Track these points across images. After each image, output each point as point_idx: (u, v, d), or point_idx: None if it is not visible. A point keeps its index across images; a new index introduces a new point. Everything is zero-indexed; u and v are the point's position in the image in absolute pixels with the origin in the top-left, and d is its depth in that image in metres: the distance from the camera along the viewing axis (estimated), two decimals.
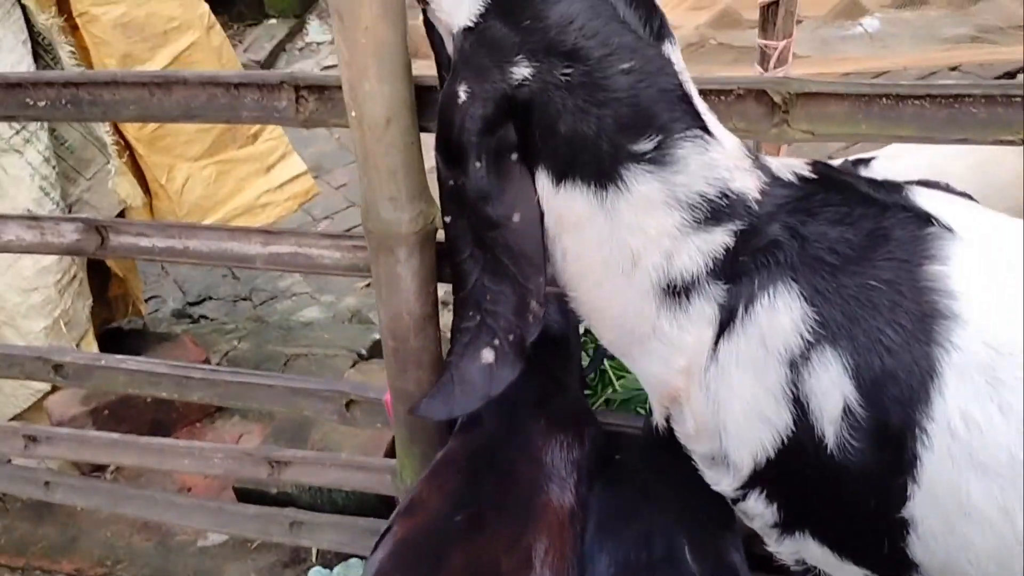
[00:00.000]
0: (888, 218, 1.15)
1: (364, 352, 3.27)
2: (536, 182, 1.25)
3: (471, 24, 1.21)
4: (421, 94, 1.56)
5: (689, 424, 1.28)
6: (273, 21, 6.10)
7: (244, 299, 4.02)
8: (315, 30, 6.13)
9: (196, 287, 4.12)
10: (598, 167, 1.21)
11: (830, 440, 1.15)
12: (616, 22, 1.19)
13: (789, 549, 1.30)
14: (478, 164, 1.21)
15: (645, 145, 1.19)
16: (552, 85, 1.18)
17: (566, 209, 1.24)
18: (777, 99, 1.41)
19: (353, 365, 3.14)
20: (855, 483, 1.15)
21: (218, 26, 2.96)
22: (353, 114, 1.52)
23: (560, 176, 1.23)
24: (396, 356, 1.79)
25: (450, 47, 1.30)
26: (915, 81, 1.38)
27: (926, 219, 1.14)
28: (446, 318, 1.57)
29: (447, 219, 1.29)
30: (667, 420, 1.35)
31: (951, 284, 1.09)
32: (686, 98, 1.22)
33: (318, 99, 1.68)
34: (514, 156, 1.23)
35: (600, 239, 1.25)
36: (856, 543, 1.22)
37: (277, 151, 3.18)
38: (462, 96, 1.20)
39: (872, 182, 1.21)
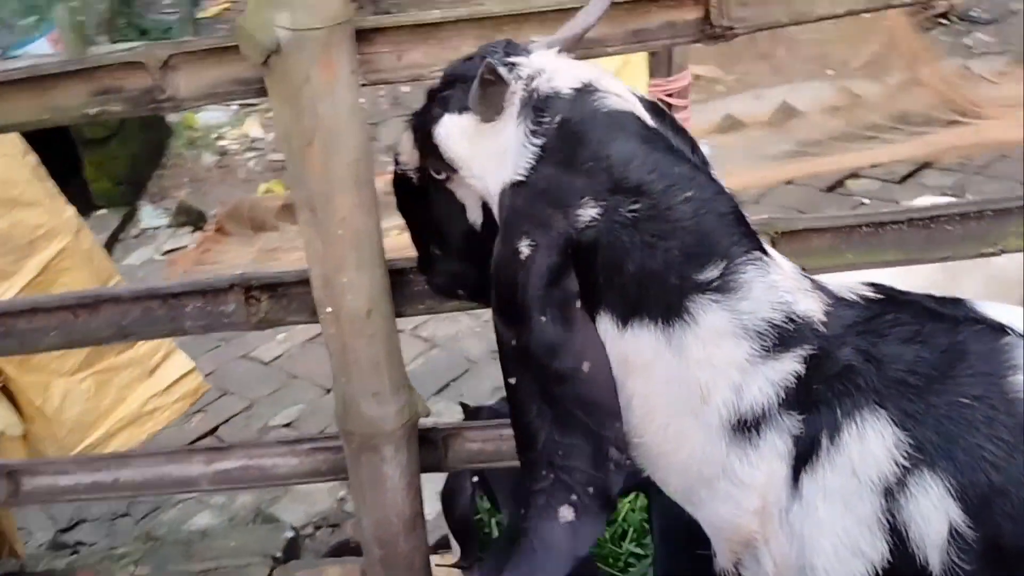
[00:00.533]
0: (961, 332, 1.14)
1: (279, 555, 2.99)
2: (598, 327, 1.19)
3: (521, 178, 1.16)
4: (392, 278, 1.48)
5: (768, 567, 1.21)
6: (103, 212, 5.84)
7: (123, 515, 3.63)
8: (148, 215, 5.91)
9: (66, 510, 3.70)
10: (666, 302, 1.16)
11: (935, 566, 1.10)
12: (671, 153, 1.18)
13: None
14: (543, 318, 1.14)
15: (711, 273, 1.15)
16: (618, 224, 1.14)
17: (632, 351, 1.18)
18: (765, 240, 1.42)
19: (271, 573, 2.87)
20: None
21: (86, 228, 2.76)
22: (328, 309, 1.41)
23: (626, 317, 1.17)
24: (384, 565, 1.62)
25: (474, 213, 1.24)
26: (894, 209, 1.43)
27: (1000, 329, 1.15)
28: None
29: (511, 380, 1.20)
30: (736, 566, 1.27)
31: None
32: (742, 220, 1.21)
33: (271, 297, 1.55)
34: (578, 303, 1.17)
35: (668, 378, 1.18)
36: None
37: (159, 351, 2.95)
38: (525, 251, 1.13)
39: (935, 298, 1.22)
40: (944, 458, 1.09)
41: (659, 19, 1.38)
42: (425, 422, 1.62)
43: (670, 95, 2.40)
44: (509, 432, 1.64)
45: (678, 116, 2.07)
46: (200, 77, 1.38)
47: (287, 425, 3.88)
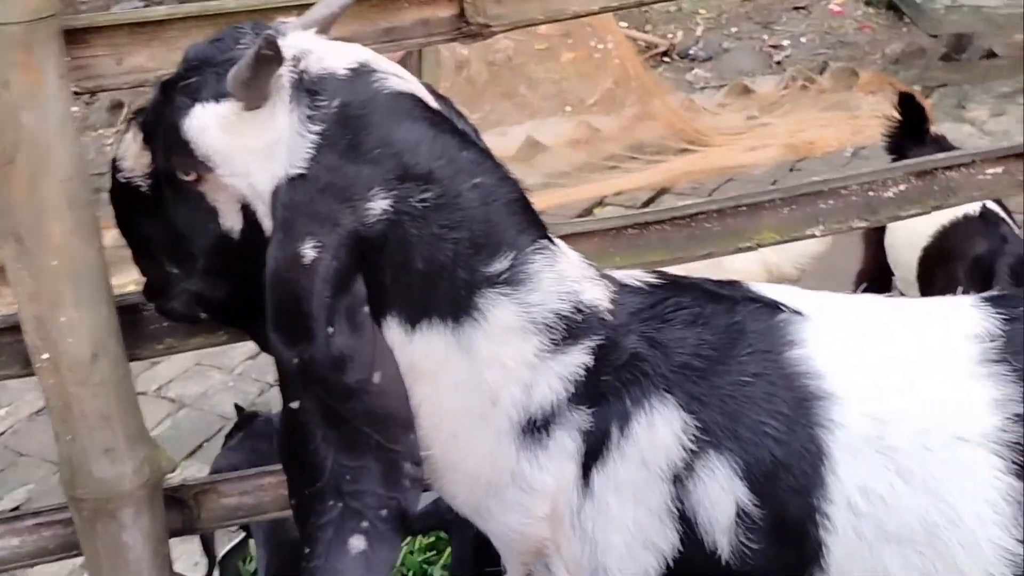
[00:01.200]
0: (739, 312, 1.14)
1: None
2: (385, 332, 1.07)
3: (300, 172, 1.02)
4: (123, 315, 1.28)
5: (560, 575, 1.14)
6: None
7: None
8: None
9: None
10: (455, 300, 1.06)
11: (724, 550, 1.07)
12: (457, 136, 1.09)
13: None
14: (331, 329, 1.01)
15: (500, 265, 1.07)
16: (408, 216, 1.04)
17: (422, 355, 1.08)
18: None
19: None
20: None
21: None
22: (45, 356, 1.19)
23: (415, 319, 1.06)
24: None
25: (229, 219, 1.08)
26: (658, 208, 1.43)
27: (775, 306, 1.15)
28: None
29: (293, 405, 1.05)
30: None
31: (816, 365, 1.09)
32: (529, 207, 1.13)
33: None
34: (366, 309, 1.05)
35: (457, 383, 1.09)
36: None
37: None
38: (309, 253, 1.00)
39: (713, 281, 1.20)
40: (729, 438, 1.07)
41: (412, 16, 1.30)
42: (172, 479, 1.43)
43: None
44: (271, 480, 1.47)
45: None
46: None
47: (15, 509, 3.42)
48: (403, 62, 1.28)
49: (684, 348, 1.11)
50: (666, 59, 6.07)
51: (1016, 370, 1.06)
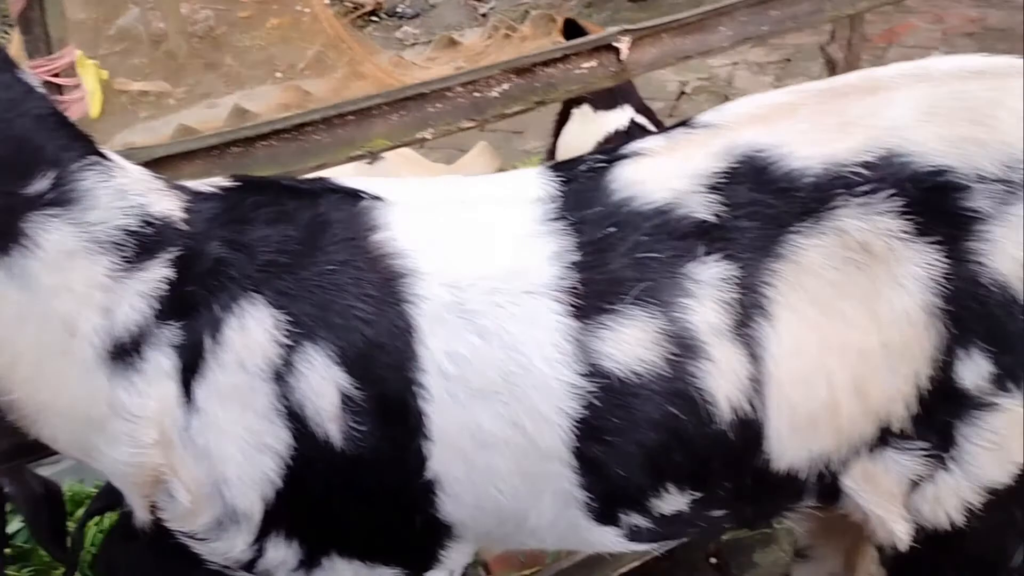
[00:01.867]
0: (322, 204, 1.15)
1: None
2: None
3: None
4: None
5: (184, 499, 1.12)
6: None
7: None
8: None
9: None
10: None
11: (336, 438, 1.10)
12: None
13: None
14: None
15: (41, 185, 1.02)
16: None
17: None
18: None
19: None
20: (372, 470, 1.11)
21: None
22: None
23: None
24: None
25: None
26: (259, 122, 1.42)
27: (355, 195, 1.17)
28: None
29: None
30: (153, 512, 1.17)
31: (398, 245, 1.13)
32: (67, 123, 1.08)
33: None
34: None
35: (22, 317, 1.04)
36: (386, 538, 1.18)
37: None
38: None
39: (291, 179, 1.21)
40: (322, 327, 1.09)
41: None
42: None
43: (56, 75, 2.19)
44: None
45: (71, 97, 1.89)
46: None
47: None
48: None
49: (268, 246, 1.12)
50: (374, 18, 6.07)
51: (572, 223, 1.15)
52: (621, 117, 2.55)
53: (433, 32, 5.86)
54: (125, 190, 1.09)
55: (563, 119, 2.71)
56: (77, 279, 1.05)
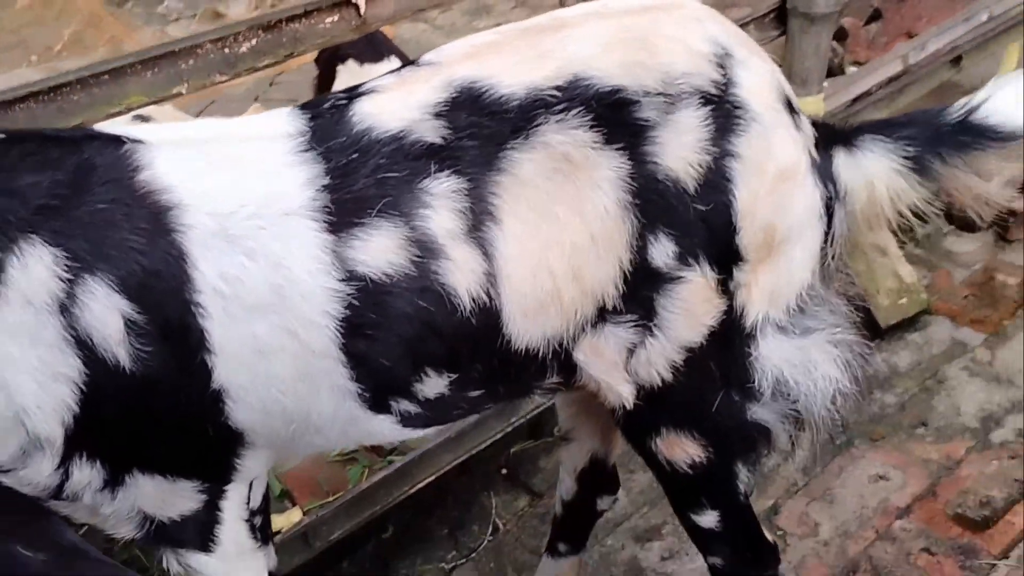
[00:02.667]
0: (86, 150, 1.24)
1: None
2: None
3: None
4: None
5: None
6: None
7: None
8: None
9: None
10: None
11: (125, 361, 1.21)
12: None
13: (125, 505, 1.31)
14: None
15: None
16: None
17: None
18: None
19: None
20: (163, 387, 1.23)
21: None
22: None
23: None
24: None
25: None
26: (16, 85, 1.48)
27: (117, 140, 1.27)
28: None
29: None
30: None
31: (164, 182, 1.25)
32: None
33: None
34: None
35: None
36: (184, 452, 1.32)
37: None
38: None
39: (52, 129, 1.29)
40: (100, 260, 1.21)
41: None
42: None
43: None
44: None
45: None
46: None
47: None
48: None
49: (39, 191, 1.22)
50: None
51: (320, 153, 1.31)
52: (389, 66, 2.72)
53: (197, 5, 5.77)
54: None
55: (325, 78, 2.84)
56: None
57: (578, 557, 2.11)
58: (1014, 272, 3.07)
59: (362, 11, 1.73)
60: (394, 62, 2.73)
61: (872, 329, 2.80)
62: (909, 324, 2.93)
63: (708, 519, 1.63)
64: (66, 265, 1.19)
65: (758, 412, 1.54)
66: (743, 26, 2.17)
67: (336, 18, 1.74)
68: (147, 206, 1.24)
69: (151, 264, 1.23)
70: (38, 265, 1.19)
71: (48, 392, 1.21)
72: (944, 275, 3.12)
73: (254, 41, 1.64)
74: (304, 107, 1.38)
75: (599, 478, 1.99)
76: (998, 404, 2.65)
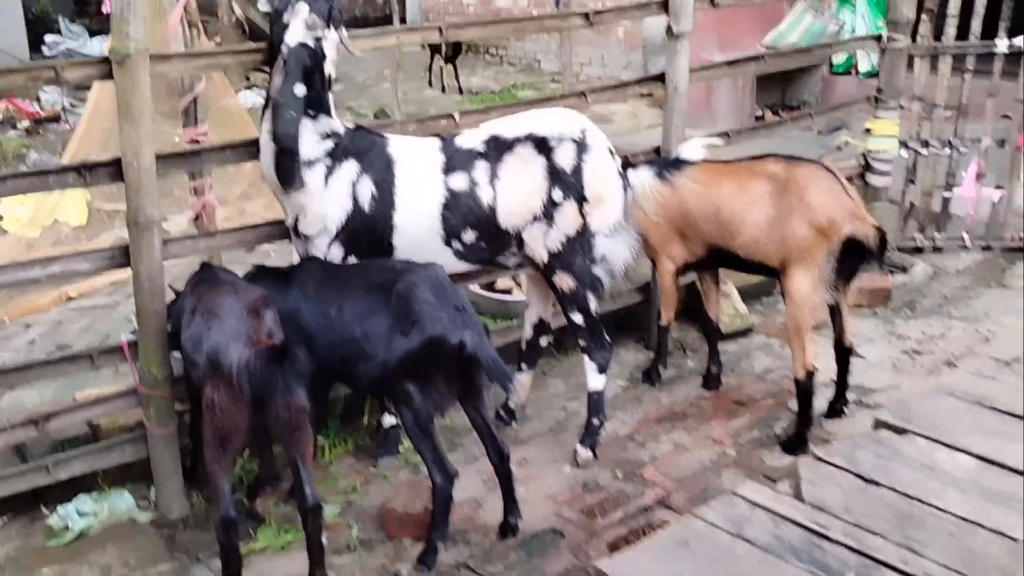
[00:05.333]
0: (365, 135, 3.82)
1: None
2: None
3: None
4: None
5: (312, 217, 3.72)
6: None
7: None
8: None
9: None
10: None
11: (366, 208, 3.74)
12: None
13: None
14: None
15: None
16: None
17: None
18: None
19: None
20: (376, 221, 3.75)
21: None
22: None
23: None
24: None
25: None
26: None
27: (374, 133, 3.86)
28: None
29: None
30: (296, 222, 3.77)
31: (391, 149, 3.80)
32: None
33: None
34: None
35: None
36: (375, 251, 3.80)
37: None
38: None
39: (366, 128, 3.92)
40: (369, 169, 3.81)
41: None
42: None
43: None
44: None
45: None
46: None
47: None
48: None
49: (361, 144, 3.84)
50: None
51: (441, 149, 3.90)
52: None
53: None
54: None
55: None
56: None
57: (531, 373, 4.46)
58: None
59: None
60: None
61: (719, 333, 5.15)
62: (740, 334, 5.27)
63: (577, 317, 4.03)
64: (357, 169, 3.76)
65: (595, 269, 3.98)
66: None
67: None
68: (383, 156, 3.82)
69: (386, 172, 3.79)
70: (351, 167, 3.76)
71: (335, 211, 3.74)
72: (771, 318, 5.47)
73: None
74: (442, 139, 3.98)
75: (541, 328, 4.39)
76: (776, 368, 4.93)
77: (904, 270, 6.01)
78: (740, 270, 4.41)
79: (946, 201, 6.18)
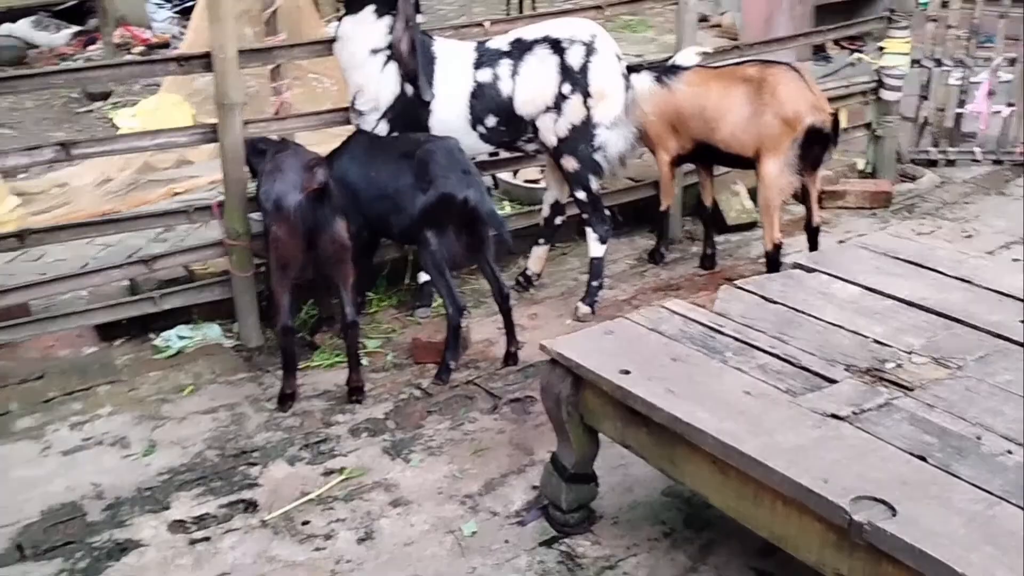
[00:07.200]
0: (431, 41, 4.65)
1: None
2: None
3: None
4: None
5: (368, 96, 4.58)
6: None
7: None
8: None
9: None
10: None
11: (410, 93, 4.57)
12: None
13: None
14: None
15: None
16: None
17: None
18: None
19: None
20: (414, 104, 4.57)
21: None
22: None
23: None
24: None
25: None
26: None
27: (425, 33, 4.68)
28: None
29: None
30: (353, 100, 4.63)
31: (435, 47, 4.60)
32: None
33: None
34: None
35: None
36: (411, 129, 4.64)
37: None
38: None
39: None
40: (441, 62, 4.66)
41: None
42: None
43: None
44: None
45: None
46: None
47: None
48: None
49: (423, 47, 4.68)
50: None
51: (476, 49, 4.70)
52: None
53: None
54: None
55: None
56: None
57: (547, 246, 5.27)
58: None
59: None
60: None
61: (723, 225, 5.84)
62: (744, 227, 5.95)
63: (581, 194, 4.81)
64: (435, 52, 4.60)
65: (595, 155, 4.74)
66: None
67: None
68: (430, 52, 4.63)
69: (425, 67, 4.61)
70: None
71: (384, 92, 4.61)
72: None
73: None
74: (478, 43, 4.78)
75: (557, 209, 5.19)
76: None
77: (913, 179, 6.55)
78: (719, 163, 5.11)
79: (958, 117, 6.67)
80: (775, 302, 3.43)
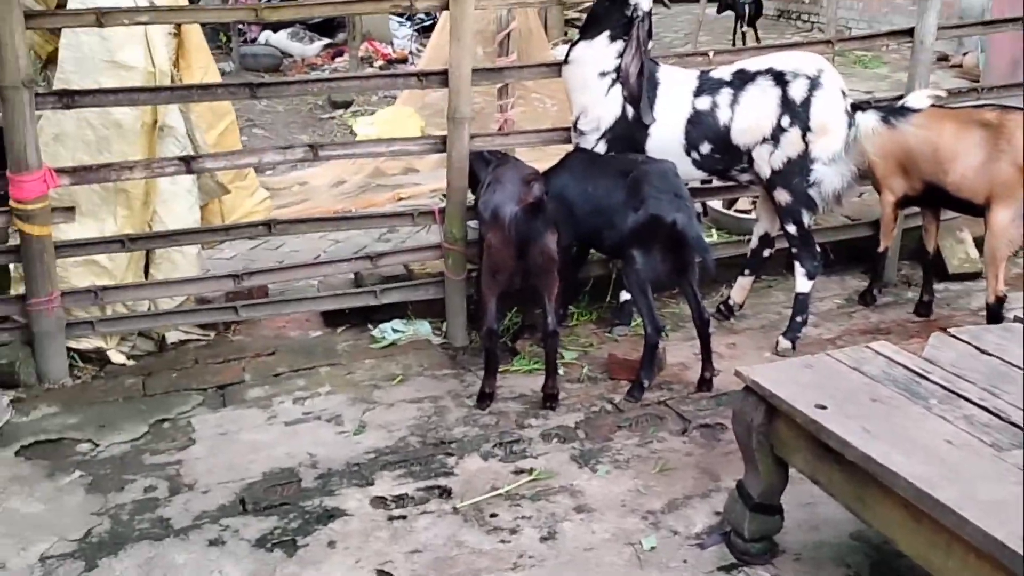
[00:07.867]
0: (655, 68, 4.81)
1: None
2: None
3: None
4: None
5: (591, 117, 4.75)
6: None
7: None
8: None
9: None
10: None
11: (631, 116, 4.71)
12: None
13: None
14: None
15: None
16: None
17: None
18: None
19: None
20: (633, 127, 4.71)
21: None
22: None
23: None
24: None
25: None
26: None
27: (651, 59, 4.80)
28: None
29: None
30: (576, 120, 4.82)
31: (659, 74, 4.74)
32: None
33: None
34: None
35: None
36: (628, 151, 4.75)
37: None
38: None
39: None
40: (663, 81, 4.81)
41: None
42: None
43: None
44: None
45: None
46: None
47: None
48: None
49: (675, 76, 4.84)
50: None
51: (698, 76, 4.79)
52: None
53: None
54: None
55: None
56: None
57: (752, 278, 5.25)
58: None
59: None
60: None
61: (944, 272, 5.60)
62: (968, 277, 5.67)
63: (791, 228, 4.78)
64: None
65: (810, 190, 4.70)
66: None
67: None
68: (655, 78, 4.76)
69: (648, 92, 4.74)
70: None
71: (607, 114, 4.77)
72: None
73: None
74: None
75: (766, 241, 5.16)
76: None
77: None
78: (947, 207, 4.91)
79: None
80: (989, 354, 3.30)
